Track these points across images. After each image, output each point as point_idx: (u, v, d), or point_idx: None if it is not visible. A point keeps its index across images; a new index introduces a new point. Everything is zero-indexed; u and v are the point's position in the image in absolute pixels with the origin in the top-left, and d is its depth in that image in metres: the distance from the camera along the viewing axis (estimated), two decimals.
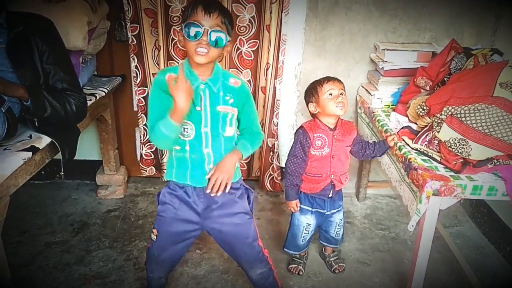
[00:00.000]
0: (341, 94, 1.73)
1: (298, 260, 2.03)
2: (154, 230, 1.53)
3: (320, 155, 1.79)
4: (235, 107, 1.44)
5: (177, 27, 2.26)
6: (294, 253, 2.01)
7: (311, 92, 1.79)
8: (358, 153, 1.89)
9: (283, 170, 2.61)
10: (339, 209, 1.94)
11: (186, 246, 1.57)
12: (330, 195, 1.86)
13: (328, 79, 1.77)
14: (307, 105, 1.83)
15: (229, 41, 1.36)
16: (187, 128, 1.39)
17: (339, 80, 1.77)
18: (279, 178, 2.62)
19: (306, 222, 1.91)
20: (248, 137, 1.53)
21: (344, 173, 1.86)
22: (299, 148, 1.78)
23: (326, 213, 1.90)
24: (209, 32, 1.30)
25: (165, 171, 2.52)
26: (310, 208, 1.89)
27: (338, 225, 1.96)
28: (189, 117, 1.37)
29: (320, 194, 1.86)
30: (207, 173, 1.42)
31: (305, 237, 1.94)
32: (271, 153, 2.57)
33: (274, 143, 2.53)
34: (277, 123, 2.49)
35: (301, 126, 1.82)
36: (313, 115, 1.84)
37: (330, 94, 1.72)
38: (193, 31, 1.30)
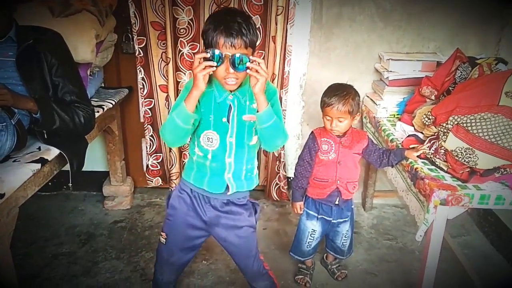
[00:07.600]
0: (340, 121, 1.72)
1: (305, 271, 2.03)
2: (163, 234, 1.52)
3: (327, 160, 1.81)
4: None
5: (184, 39, 2.29)
6: (299, 258, 2.00)
7: (320, 103, 1.78)
8: (377, 161, 1.88)
9: (289, 180, 2.62)
10: (346, 219, 1.93)
11: (194, 249, 1.57)
12: (337, 202, 1.86)
13: (329, 104, 1.70)
14: None
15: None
16: (211, 138, 1.38)
17: (344, 102, 1.68)
18: (285, 187, 2.62)
19: (312, 227, 1.92)
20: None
21: (352, 181, 1.86)
22: (307, 151, 1.83)
23: (333, 221, 1.90)
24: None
25: (174, 179, 2.59)
26: (316, 214, 1.90)
27: (345, 236, 1.95)
28: (215, 128, 1.37)
29: (327, 200, 1.86)
30: (226, 181, 1.42)
31: (310, 243, 1.94)
32: (277, 163, 2.57)
33: (280, 153, 2.54)
34: None
35: (312, 132, 1.85)
36: None
37: (328, 119, 1.74)
38: (216, 58, 1.24)
